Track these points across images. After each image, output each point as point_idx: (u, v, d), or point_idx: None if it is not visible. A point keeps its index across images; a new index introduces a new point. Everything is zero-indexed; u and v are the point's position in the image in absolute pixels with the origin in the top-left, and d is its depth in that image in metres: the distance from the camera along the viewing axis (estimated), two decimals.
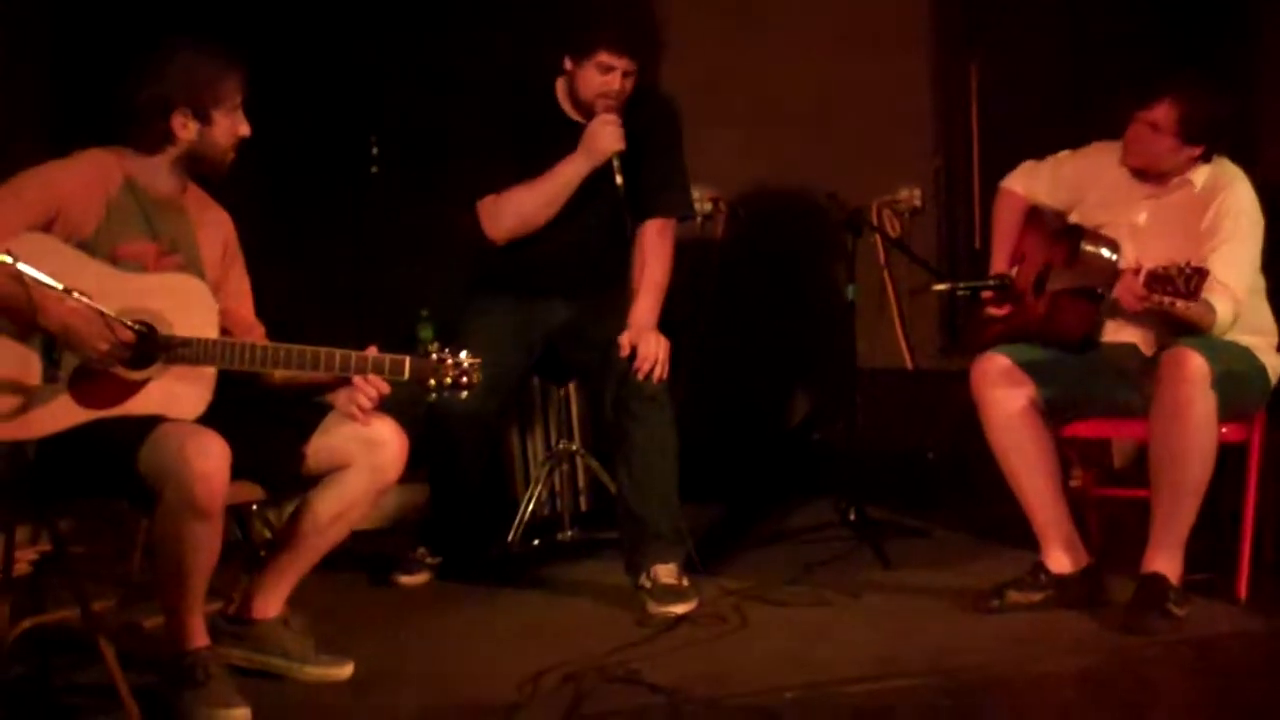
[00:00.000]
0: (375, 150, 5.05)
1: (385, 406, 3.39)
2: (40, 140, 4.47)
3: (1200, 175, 3.81)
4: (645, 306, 4.08)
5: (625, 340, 4.02)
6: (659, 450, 4.02)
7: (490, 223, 4.09)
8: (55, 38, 4.92)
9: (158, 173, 3.34)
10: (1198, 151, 3.79)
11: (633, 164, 4.09)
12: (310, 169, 5.21)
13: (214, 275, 3.41)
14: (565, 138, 4.06)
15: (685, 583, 3.96)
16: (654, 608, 3.87)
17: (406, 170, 5.08)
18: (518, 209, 4.06)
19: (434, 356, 3.31)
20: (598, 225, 4.12)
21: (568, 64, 4.06)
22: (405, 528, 4.48)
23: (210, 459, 3.05)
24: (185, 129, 3.31)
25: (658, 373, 3.99)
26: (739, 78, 5.46)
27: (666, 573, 3.95)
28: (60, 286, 3.02)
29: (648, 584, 3.94)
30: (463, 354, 3.32)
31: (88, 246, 3.21)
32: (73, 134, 3.44)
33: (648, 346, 4.00)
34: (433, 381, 3.31)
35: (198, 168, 3.38)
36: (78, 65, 4.72)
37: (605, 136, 4.00)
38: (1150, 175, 3.85)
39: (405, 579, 4.23)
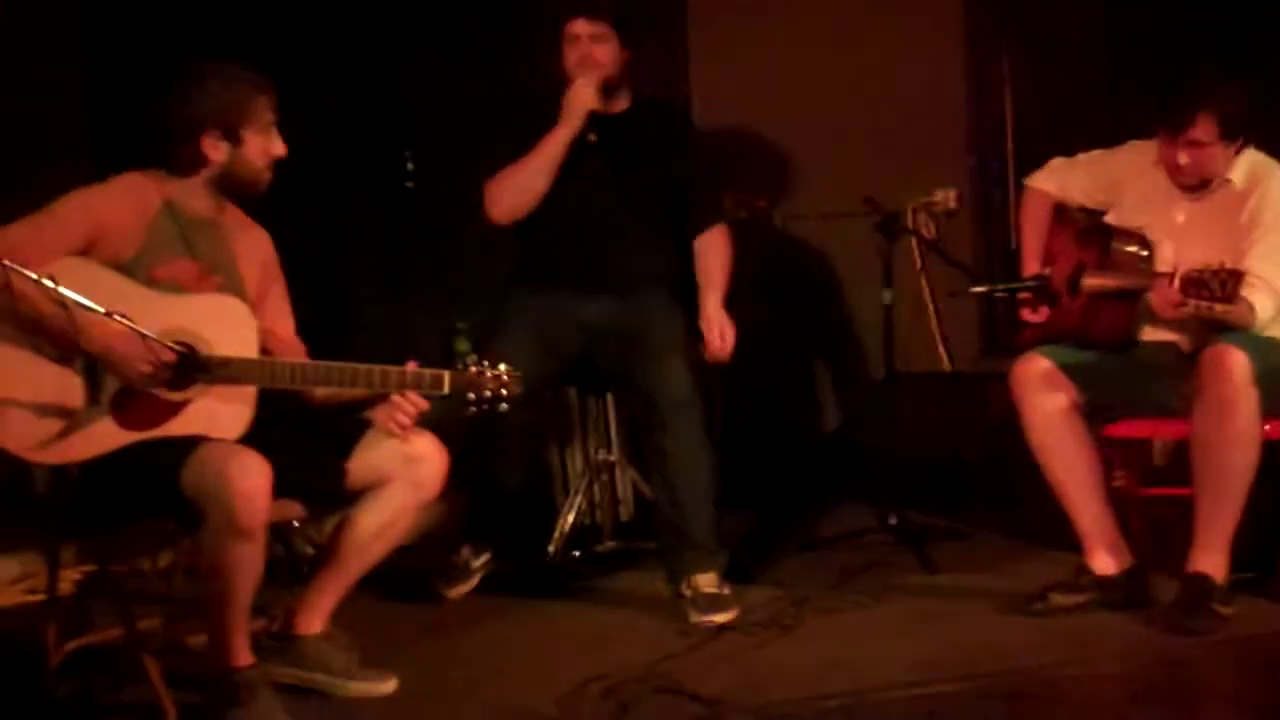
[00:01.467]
0: (410, 165, 5.06)
1: (425, 421, 3.41)
2: (78, 161, 4.52)
3: (1238, 172, 3.78)
4: (715, 300, 4.18)
5: (708, 327, 4.14)
6: (692, 459, 4.05)
7: (491, 203, 4.18)
8: (90, 59, 4.96)
9: (194, 194, 3.37)
10: (1240, 145, 3.75)
11: (663, 169, 4.17)
12: (346, 185, 5.24)
13: (254, 294, 3.43)
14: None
15: (726, 591, 3.97)
16: (696, 617, 3.88)
17: (441, 184, 5.10)
18: (511, 183, 4.14)
19: (473, 370, 3.32)
20: (625, 216, 4.16)
21: (561, 55, 4.14)
22: (445, 542, 4.47)
23: (251, 478, 3.06)
24: (216, 150, 3.33)
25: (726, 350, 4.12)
26: (769, 83, 5.46)
27: (707, 581, 3.97)
28: (102, 310, 3.04)
29: (689, 593, 3.96)
30: (501, 366, 3.33)
31: (127, 269, 3.24)
32: (110, 155, 3.47)
33: (726, 329, 4.14)
34: (472, 395, 3.31)
35: (233, 188, 3.39)
36: (114, 86, 4.76)
37: (580, 95, 4.08)
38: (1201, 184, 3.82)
39: (449, 589, 4.22)
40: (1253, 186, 3.75)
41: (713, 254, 4.23)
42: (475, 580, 4.23)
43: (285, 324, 3.53)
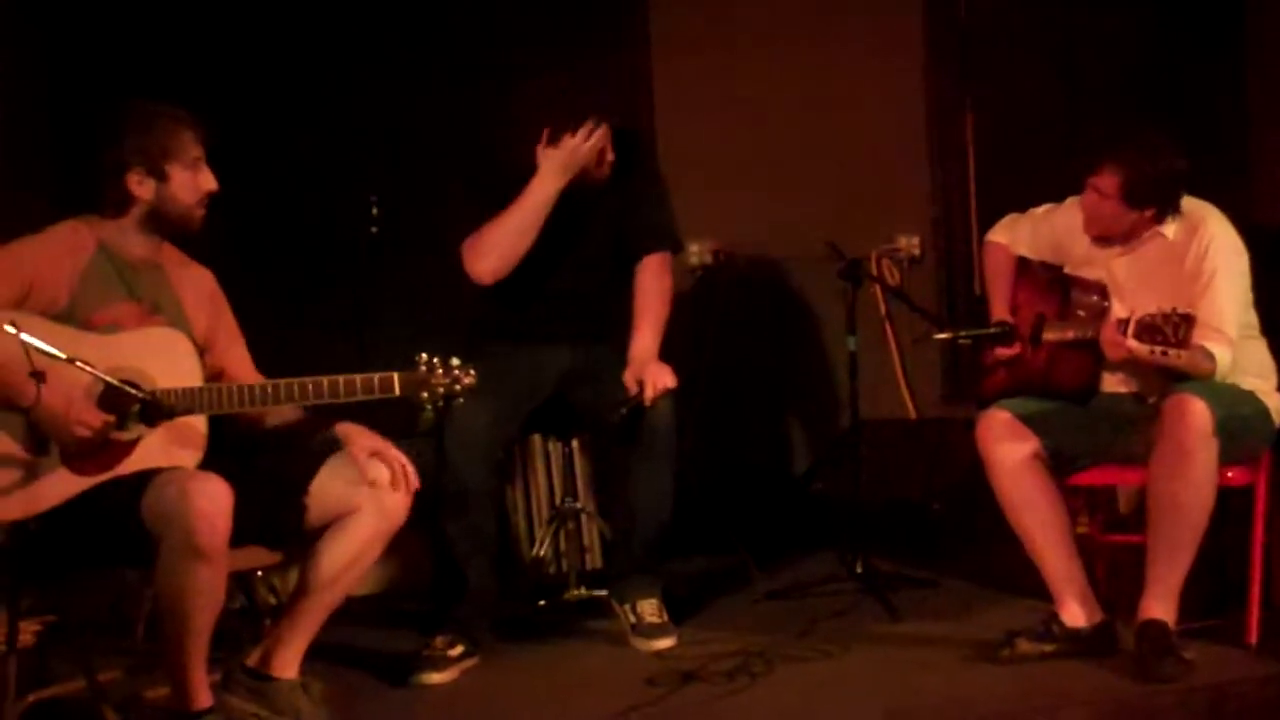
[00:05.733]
0: (375, 210, 5.05)
1: None
2: (42, 201, 4.48)
3: (1170, 227, 3.79)
4: (646, 340, 4.10)
5: (630, 376, 4.03)
6: (660, 489, 4.05)
7: (472, 262, 4.07)
8: (55, 99, 4.95)
9: (128, 235, 3.32)
10: (1149, 213, 3.76)
11: (616, 204, 4.13)
12: (311, 229, 5.23)
13: (201, 331, 3.39)
14: None
15: (665, 618, 4.08)
16: (639, 643, 4.02)
17: (407, 231, 5.09)
18: (495, 241, 4.03)
19: (422, 368, 3.23)
20: (593, 268, 4.16)
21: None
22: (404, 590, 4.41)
23: (211, 499, 3.02)
24: (142, 187, 3.28)
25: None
26: (735, 131, 5.49)
27: (650, 609, 4.08)
28: (64, 356, 3.01)
29: (632, 619, 4.07)
30: (452, 360, 3.24)
31: (62, 317, 3.19)
32: (75, 196, 3.42)
33: (655, 375, 4.01)
34: (425, 394, 3.22)
35: (165, 226, 3.34)
36: (79, 126, 4.74)
37: (583, 151, 3.99)
38: (1115, 238, 3.85)
39: (425, 677, 3.86)
40: (1190, 234, 3.76)
41: (649, 282, 4.15)
42: (453, 672, 3.90)
43: (240, 356, 3.48)
